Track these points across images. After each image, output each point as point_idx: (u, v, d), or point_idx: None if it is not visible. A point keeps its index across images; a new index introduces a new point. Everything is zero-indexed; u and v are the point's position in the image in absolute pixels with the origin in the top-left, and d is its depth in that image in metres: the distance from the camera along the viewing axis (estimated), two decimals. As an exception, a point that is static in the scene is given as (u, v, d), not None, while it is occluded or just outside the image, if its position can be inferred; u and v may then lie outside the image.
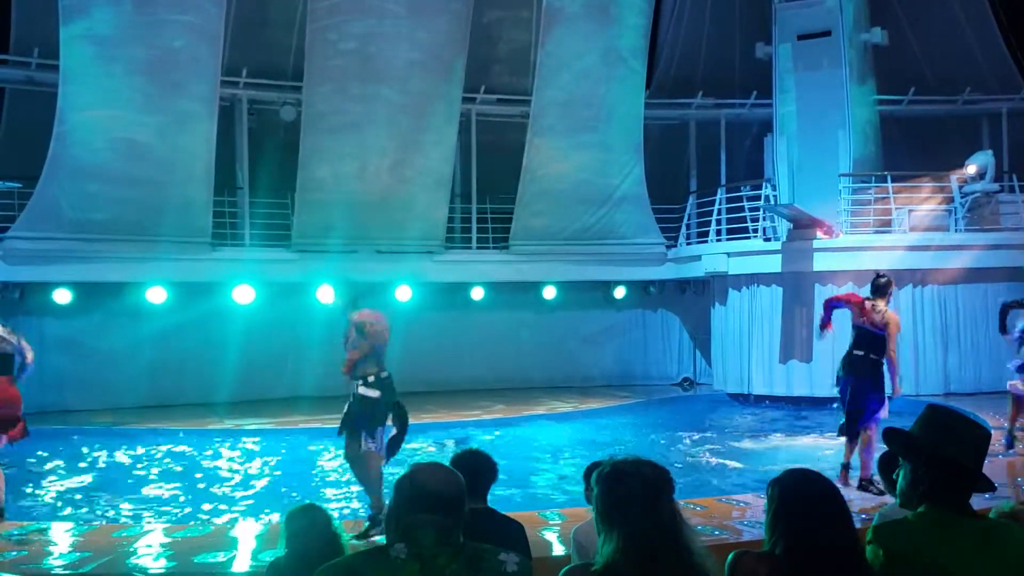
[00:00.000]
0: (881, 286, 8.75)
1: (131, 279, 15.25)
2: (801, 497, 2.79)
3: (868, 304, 8.71)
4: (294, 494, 9.55)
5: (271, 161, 16.56)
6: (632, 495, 2.54)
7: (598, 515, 2.60)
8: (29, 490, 9.85)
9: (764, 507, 2.88)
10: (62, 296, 15.10)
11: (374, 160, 15.81)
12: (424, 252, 16.80)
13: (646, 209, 17.81)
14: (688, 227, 18.30)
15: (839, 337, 15.32)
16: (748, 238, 16.77)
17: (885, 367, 8.63)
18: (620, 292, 18.73)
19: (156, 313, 15.54)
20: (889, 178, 15.96)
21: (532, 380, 18.13)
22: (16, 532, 7.00)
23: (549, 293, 18.13)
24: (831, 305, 9.05)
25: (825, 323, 9.05)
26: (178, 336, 15.67)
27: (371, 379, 7.05)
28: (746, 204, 16.92)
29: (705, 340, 18.64)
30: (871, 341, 8.59)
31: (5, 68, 15.84)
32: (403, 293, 16.28)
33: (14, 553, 6.39)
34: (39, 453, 11.45)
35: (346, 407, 7.11)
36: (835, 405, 9.01)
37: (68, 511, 9.01)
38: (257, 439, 13.17)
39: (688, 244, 18.12)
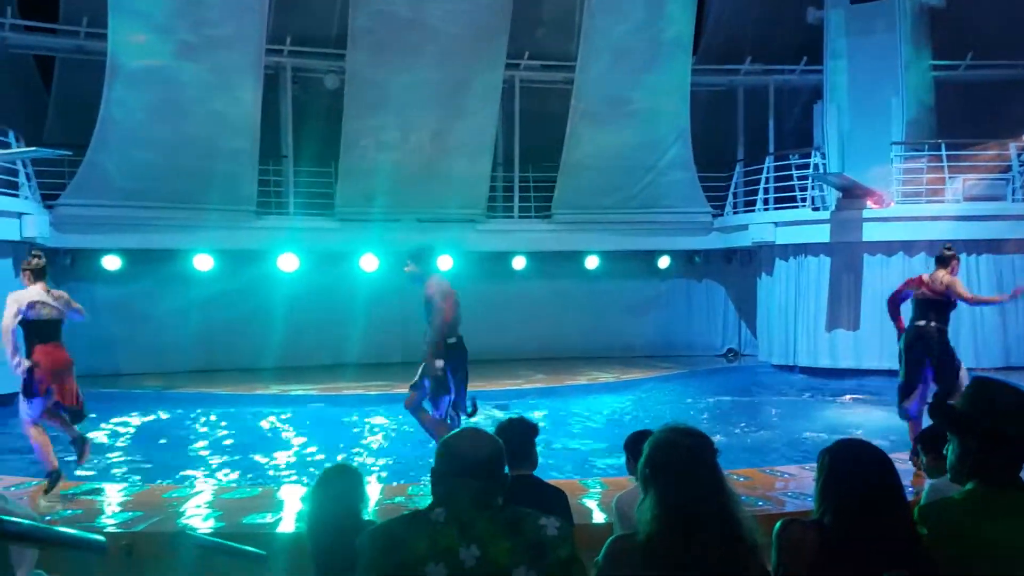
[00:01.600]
0: (944, 257, 8.62)
1: (179, 246, 15.48)
2: (852, 466, 2.75)
3: (926, 276, 8.61)
4: (339, 456, 9.66)
5: (315, 130, 16.62)
6: (675, 463, 2.51)
7: (641, 483, 2.57)
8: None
9: (814, 476, 2.83)
10: (112, 263, 15.36)
11: (416, 128, 15.79)
12: (466, 221, 16.79)
13: (692, 177, 17.59)
14: (735, 196, 18.05)
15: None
16: (796, 207, 16.50)
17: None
18: (664, 262, 18.57)
19: (203, 280, 15.77)
20: (943, 146, 15.55)
21: (573, 350, 18.10)
22: (71, 492, 7.16)
23: (592, 263, 18.03)
24: (897, 301, 8.82)
25: (898, 324, 8.78)
26: (225, 303, 15.89)
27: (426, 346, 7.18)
28: (794, 173, 16.64)
29: (750, 311, 18.45)
30: (932, 307, 8.43)
31: (55, 37, 16.05)
32: (444, 262, 16.29)
33: (69, 512, 6.55)
34: (91, 415, 11.68)
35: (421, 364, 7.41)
36: (898, 382, 8.76)
37: (120, 472, 9.21)
38: (302, 404, 13.33)
39: (735, 213, 17.89)
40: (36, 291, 7.17)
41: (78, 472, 8.10)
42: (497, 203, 17.74)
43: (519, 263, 17.62)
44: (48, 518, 6.18)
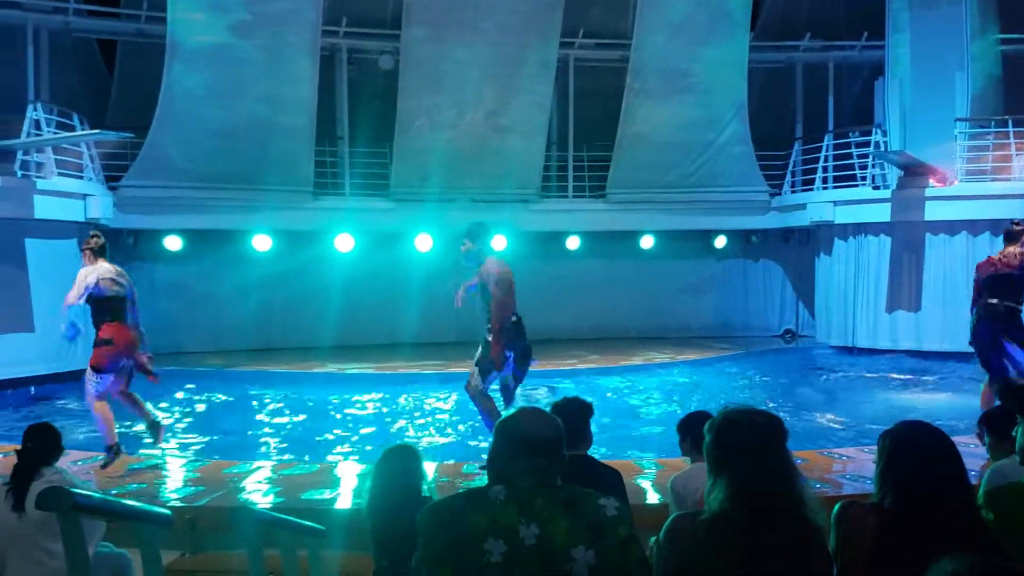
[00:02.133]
0: (1014, 233, 8.39)
1: (237, 227, 15.74)
2: (913, 449, 2.71)
3: (995, 256, 8.41)
4: (394, 433, 9.77)
5: (370, 110, 16.73)
6: (743, 443, 2.49)
7: (708, 463, 2.56)
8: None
9: (874, 459, 2.79)
10: (173, 243, 15.68)
11: (470, 108, 15.81)
12: (520, 201, 16.79)
13: (749, 156, 17.34)
14: (793, 175, 17.76)
15: (949, 290, 14.80)
16: (856, 186, 16.20)
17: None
18: (721, 241, 18.37)
19: (261, 260, 16.02)
20: (1011, 122, 15.09)
21: (628, 330, 18.03)
22: (136, 467, 7.35)
23: (647, 242, 17.90)
24: (979, 290, 8.60)
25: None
26: (282, 282, 16.14)
27: (489, 327, 7.21)
28: (854, 151, 16.31)
29: (808, 291, 18.19)
30: (1004, 284, 8.23)
31: (117, 21, 16.36)
32: (498, 242, 16.30)
33: (134, 486, 6.73)
34: (152, 391, 11.97)
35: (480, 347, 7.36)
36: (973, 362, 8.63)
37: (182, 448, 9.43)
38: (358, 383, 13.48)
39: (793, 192, 17.61)
40: (104, 267, 7.30)
41: (142, 451, 8.31)
42: (551, 183, 17.70)
43: (573, 243, 17.57)
44: (114, 492, 6.36)
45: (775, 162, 17.97)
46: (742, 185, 17.51)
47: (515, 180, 16.65)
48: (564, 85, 17.46)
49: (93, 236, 7.51)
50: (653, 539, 2.82)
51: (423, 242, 16.50)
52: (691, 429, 4.46)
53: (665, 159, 16.85)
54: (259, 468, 7.47)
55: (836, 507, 2.75)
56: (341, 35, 16.49)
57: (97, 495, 3.22)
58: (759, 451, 2.49)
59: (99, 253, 7.35)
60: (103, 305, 7.23)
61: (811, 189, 16.95)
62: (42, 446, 4.41)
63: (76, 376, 13.01)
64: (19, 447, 4.44)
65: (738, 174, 17.36)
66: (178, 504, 6.13)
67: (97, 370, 7.16)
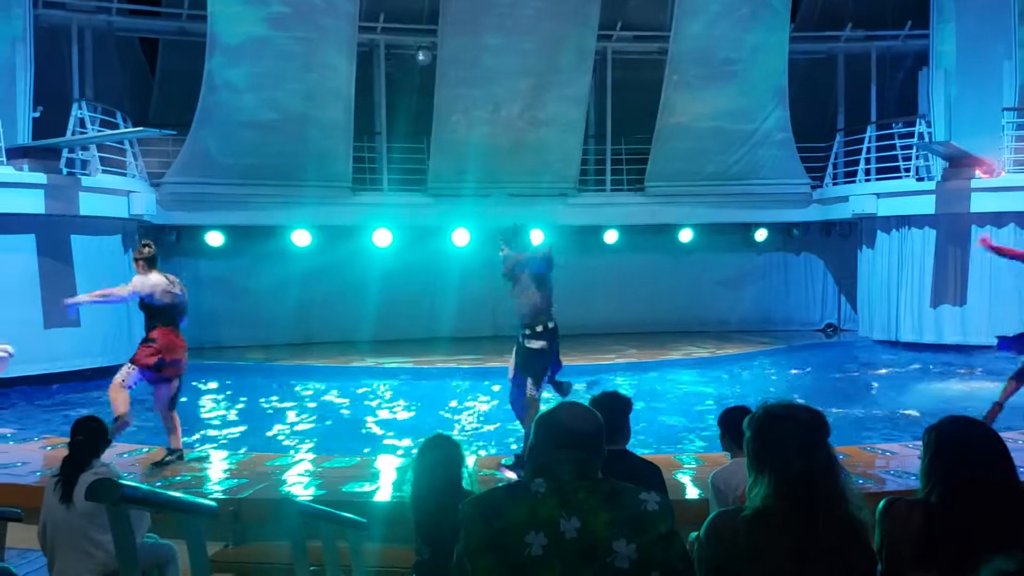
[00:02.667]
0: None
1: (277, 223, 15.89)
2: (960, 444, 2.67)
3: None
4: (436, 424, 9.81)
5: (407, 106, 16.80)
6: (786, 438, 2.47)
7: (750, 459, 2.54)
8: (190, 420, 10.47)
9: (919, 454, 2.75)
10: (215, 239, 15.87)
11: (508, 102, 15.80)
12: (557, 195, 16.75)
13: (790, 148, 17.14)
14: (835, 167, 17.53)
15: (995, 285, 14.52)
16: (899, 178, 15.95)
17: None
18: (761, 235, 18.21)
19: (301, 255, 16.16)
20: (1060, 112, 14.77)
21: (666, 324, 17.94)
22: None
23: (685, 236, 17.78)
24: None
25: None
26: (322, 277, 16.27)
27: (539, 329, 7.13)
28: (898, 142, 16.08)
29: (850, 285, 17.97)
30: None
31: (158, 20, 16.58)
32: (536, 237, 16.26)
33: (178, 478, 6.83)
34: (195, 385, 12.16)
35: (515, 351, 7.23)
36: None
37: (224, 441, 9.56)
38: (396, 377, 13.57)
39: (835, 184, 17.39)
40: (158, 278, 7.31)
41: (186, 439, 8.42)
42: (589, 176, 17.64)
43: (611, 237, 17.50)
44: (158, 484, 6.45)
45: (816, 154, 17.75)
46: (783, 177, 17.31)
47: (553, 174, 16.62)
48: (602, 78, 17.39)
49: (145, 246, 7.47)
50: (694, 535, 2.81)
51: (460, 237, 16.54)
52: (731, 424, 4.42)
53: (704, 152, 16.72)
54: (300, 461, 7.54)
55: (881, 503, 2.71)
56: (379, 31, 16.55)
57: (144, 487, 3.27)
58: (801, 446, 2.46)
59: (151, 263, 7.31)
60: (157, 312, 7.32)
61: (853, 181, 16.73)
62: (91, 439, 4.50)
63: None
64: (69, 440, 4.54)
65: (779, 166, 17.17)
66: (221, 496, 6.20)
67: (133, 362, 7.27)
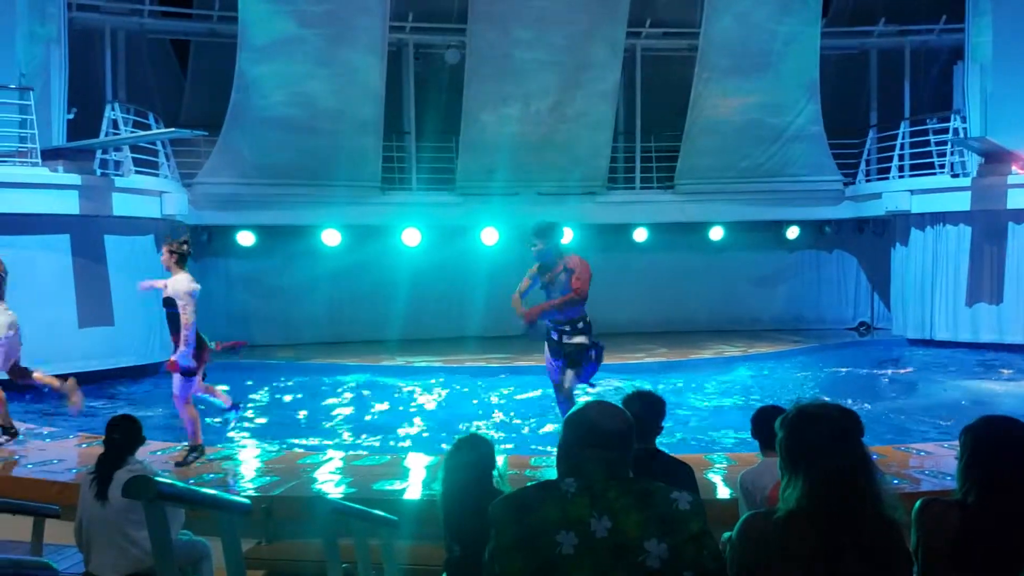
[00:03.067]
0: None
1: (308, 222, 16.00)
2: (997, 444, 2.64)
3: None
4: (462, 425, 9.84)
5: (436, 105, 16.83)
6: (819, 438, 2.44)
7: (783, 459, 2.51)
8: (224, 418, 10.57)
9: (955, 454, 2.71)
10: (246, 238, 16.00)
11: (536, 100, 15.78)
12: (586, 193, 16.71)
13: (822, 145, 16.97)
14: (868, 163, 17.35)
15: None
16: (934, 174, 15.76)
17: None
18: (793, 232, 18.06)
19: (331, 254, 16.26)
20: (1100, 106, 14.51)
21: (697, 323, 17.85)
22: (213, 456, 7.53)
23: (716, 234, 17.67)
24: None
25: None
26: (351, 276, 16.36)
27: (580, 325, 7.18)
28: (932, 138, 15.88)
29: (884, 283, 17.78)
30: None
31: (189, 22, 16.75)
32: (565, 236, 16.26)
33: (210, 475, 6.89)
34: (227, 384, 12.25)
35: (561, 347, 7.28)
36: None
37: (256, 439, 9.62)
38: (426, 375, 13.60)
39: (867, 181, 17.20)
40: (187, 276, 7.22)
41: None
42: (618, 174, 17.58)
43: (641, 235, 17.43)
44: (191, 481, 6.51)
45: (849, 151, 17.56)
46: (815, 174, 17.15)
47: (582, 172, 16.58)
48: (631, 75, 17.32)
49: (185, 242, 7.45)
50: (726, 535, 2.79)
51: (489, 236, 16.55)
52: (763, 424, 4.39)
53: (735, 148, 16.60)
54: (330, 459, 7.57)
55: (917, 504, 2.68)
56: (407, 30, 16.61)
57: (180, 484, 3.31)
58: (834, 447, 2.44)
59: (183, 261, 7.29)
60: (167, 311, 7.33)
61: (887, 178, 16.55)
62: (126, 437, 4.56)
63: (155, 369, 13.44)
64: (104, 437, 4.60)
65: (811, 163, 17.01)
66: (254, 494, 6.25)
67: (187, 374, 7.25)
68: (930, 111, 16.97)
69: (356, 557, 3.99)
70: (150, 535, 2.93)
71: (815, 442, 2.44)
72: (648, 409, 4.24)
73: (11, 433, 7.98)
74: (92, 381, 12.60)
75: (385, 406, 11.58)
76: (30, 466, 7.12)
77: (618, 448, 2.51)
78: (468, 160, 16.16)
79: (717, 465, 7.06)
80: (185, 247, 7.37)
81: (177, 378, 7.23)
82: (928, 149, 15.90)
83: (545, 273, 7.56)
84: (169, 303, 7.21)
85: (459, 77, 15.91)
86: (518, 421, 10.44)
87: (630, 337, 16.23)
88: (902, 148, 16.28)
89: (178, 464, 7.15)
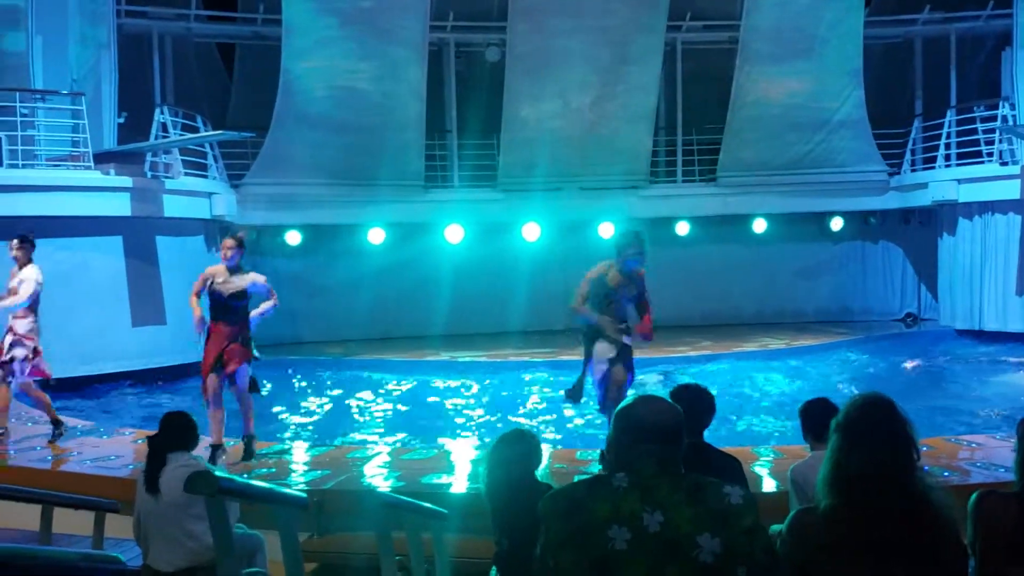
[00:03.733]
0: None
1: (353, 221, 16.17)
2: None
3: None
4: (508, 418, 9.91)
5: (477, 103, 16.89)
6: (867, 431, 2.44)
7: (830, 452, 2.51)
8: (273, 414, 10.74)
9: (1013, 447, 2.70)
10: (293, 238, 16.22)
11: (576, 96, 15.77)
12: (628, 187, 16.67)
13: (866, 135, 16.75)
14: (913, 153, 17.08)
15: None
16: (982, 163, 15.48)
17: None
18: (837, 223, 17.85)
19: (375, 252, 16.41)
20: None
21: (741, 316, 17.73)
22: (264, 451, 7.67)
23: (759, 226, 17.53)
24: None
25: None
26: (396, 274, 16.49)
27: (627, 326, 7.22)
28: (979, 126, 15.60)
29: (931, 273, 17.50)
30: None
31: (234, 25, 16.98)
32: (606, 230, 16.25)
33: (263, 470, 7.03)
34: (275, 380, 12.44)
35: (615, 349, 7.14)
36: None
37: (306, 434, 9.79)
38: (470, 371, 13.69)
39: (913, 171, 16.94)
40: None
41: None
42: (660, 168, 17.50)
43: (683, 228, 17.34)
44: (244, 477, 6.64)
45: (894, 140, 17.31)
46: (859, 165, 16.93)
47: (623, 167, 16.54)
48: (672, 69, 17.22)
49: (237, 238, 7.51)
50: (775, 527, 2.80)
51: (531, 231, 16.59)
52: (812, 417, 4.39)
53: (778, 140, 16.44)
54: (378, 453, 7.69)
55: (973, 496, 2.67)
56: (448, 29, 16.68)
57: (239, 479, 3.40)
58: (884, 439, 2.43)
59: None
60: (232, 304, 7.42)
61: (933, 167, 16.29)
62: (176, 433, 4.68)
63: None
64: (155, 433, 4.73)
65: (855, 153, 16.79)
66: (305, 488, 6.36)
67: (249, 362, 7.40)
68: (977, 98, 16.65)
69: (408, 550, 4.06)
70: (212, 529, 3.02)
71: (863, 435, 2.44)
72: (696, 403, 4.24)
73: (60, 428, 8.15)
74: (145, 380, 12.93)
75: (430, 401, 11.69)
76: (88, 462, 7.31)
77: (669, 442, 2.51)
78: (510, 156, 16.21)
79: (764, 458, 7.05)
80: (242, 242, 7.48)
81: (243, 367, 7.29)
82: (975, 137, 15.62)
83: (626, 282, 7.29)
84: (240, 296, 7.30)
85: (500, 75, 15.96)
86: (563, 416, 10.47)
87: (674, 331, 16.14)
88: (948, 137, 16.02)
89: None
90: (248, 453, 7.29)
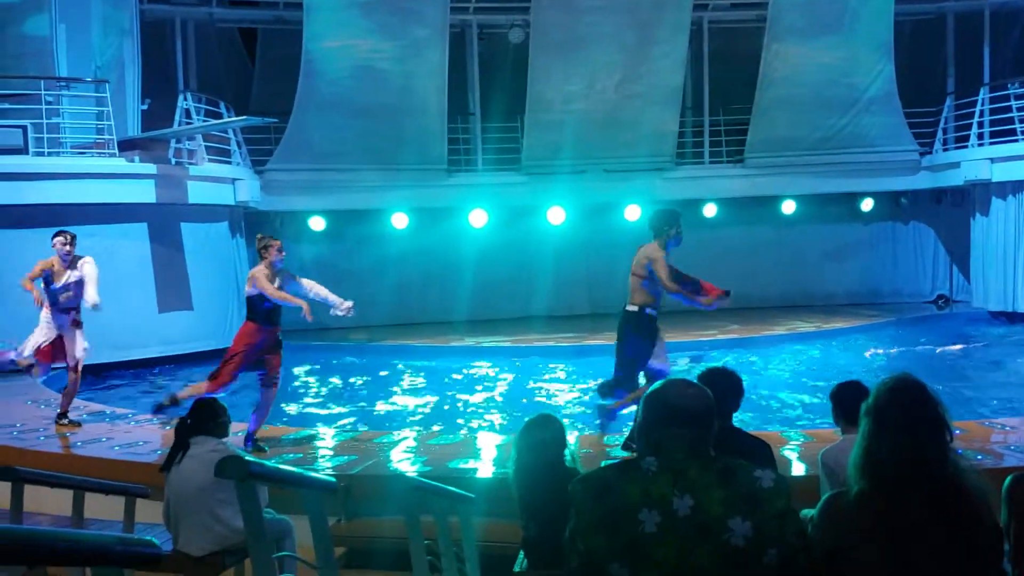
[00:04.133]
0: None
1: (376, 206, 16.15)
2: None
3: None
4: (532, 401, 9.88)
5: (500, 85, 16.81)
6: (900, 414, 2.39)
7: (862, 435, 2.46)
8: (299, 400, 10.79)
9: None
10: (317, 223, 16.24)
11: (601, 77, 15.64)
12: (654, 169, 16.53)
13: (897, 113, 16.50)
14: (945, 132, 16.82)
15: None
16: (1016, 141, 15.20)
17: None
18: (868, 204, 17.65)
19: (399, 237, 16.42)
20: None
21: (769, 299, 17.58)
22: (291, 437, 7.69)
23: (788, 207, 17.35)
24: None
25: None
26: (420, 258, 16.50)
27: None
28: (1014, 104, 15.31)
29: (963, 254, 17.26)
30: None
31: (256, 10, 16.98)
32: (632, 213, 16.15)
33: (290, 455, 7.04)
34: (300, 366, 12.50)
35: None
36: None
37: (332, 419, 9.80)
38: (495, 355, 13.67)
39: (945, 150, 16.70)
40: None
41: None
42: (686, 149, 17.34)
43: (710, 210, 17.19)
44: (273, 461, 6.65)
45: (925, 119, 17.05)
46: (890, 144, 16.69)
47: (649, 148, 16.40)
48: (698, 49, 17.03)
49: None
50: (806, 512, 2.75)
51: (555, 215, 16.51)
52: (843, 400, 4.30)
53: (807, 120, 16.23)
54: (404, 439, 7.67)
55: (1008, 479, 2.60)
56: (471, 11, 16.58)
57: (269, 464, 3.40)
58: (914, 423, 2.37)
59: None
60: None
61: (965, 146, 16.03)
62: (201, 418, 4.71)
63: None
64: (183, 418, 4.76)
65: (885, 133, 16.55)
66: (334, 473, 6.36)
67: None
68: (1011, 75, 16.34)
69: (437, 534, 4.04)
70: (243, 514, 3.01)
71: (895, 418, 2.38)
72: (724, 386, 4.19)
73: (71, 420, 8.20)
74: (172, 364, 13.03)
75: (456, 386, 11.68)
76: (117, 448, 7.36)
77: (699, 426, 2.48)
78: (533, 139, 16.11)
79: (793, 442, 6.97)
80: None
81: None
82: (1010, 116, 15.34)
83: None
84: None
85: (523, 56, 15.84)
86: (588, 400, 10.42)
87: (702, 314, 15.86)
88: (981, 115, 15.75)
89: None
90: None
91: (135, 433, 7.98)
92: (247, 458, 3.00)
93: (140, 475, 6.30)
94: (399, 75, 15.13)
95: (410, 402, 10.81)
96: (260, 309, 7.27)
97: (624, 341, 7.17)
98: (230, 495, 4.07)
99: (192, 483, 4.46)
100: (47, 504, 5.80)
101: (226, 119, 14.45)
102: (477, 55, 16.85)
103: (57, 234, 8.03)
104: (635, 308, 7.14)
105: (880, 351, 13.32)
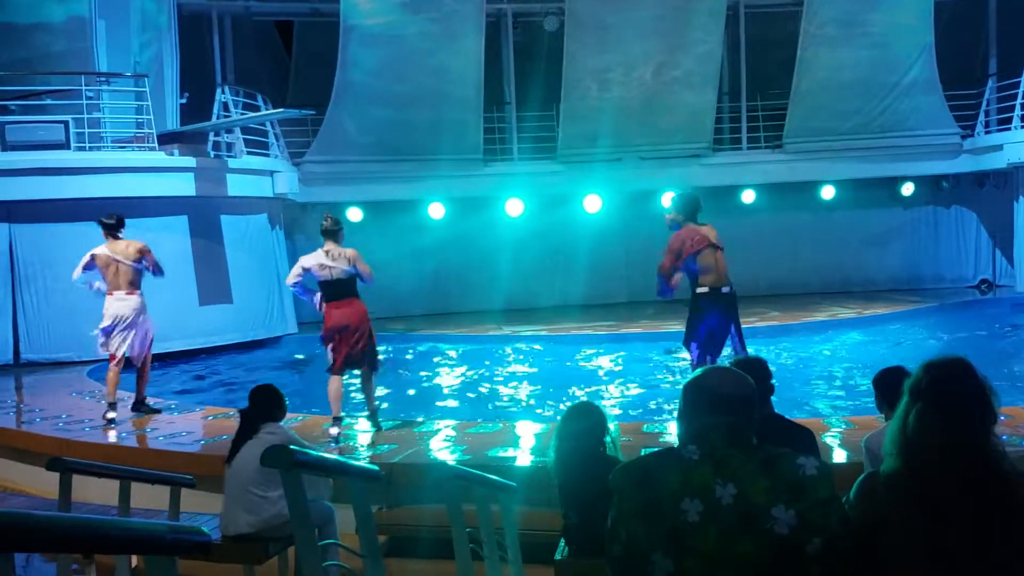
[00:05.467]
0: None
1: (413, 196, 16.21)
2: None
3: None
4: (571, 391, 9.87)
5: (536, 74, 16.76)
6: (944, 398, 2.35)
7: (901, 413, 2.42)
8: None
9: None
10: (354, 214, 16.32)
11: (638, 63, 15.54)
12: (691, 156, 16.41)
13: (938, 96, 16.22)
14: (987, 114, 16.51)
15: None
16: (1061, 122, 14.89)
17: None
18: (908, 188, 17.39)
19: (436, 227, 16.46)
20: None
21: (809, 285, 17.41)
22: (327, 426, 7.74)
23: (827, 193, 17.15)
24: None
25: None
26: (456, 248, 16.53)
27: None
28: (1060, 84, 14.98)
29: (1006, 238, 16.96)
30: None
31: (292, 3, 17.08)
32: (669, 200, 16.00)
33: (333, 444, 7.11)
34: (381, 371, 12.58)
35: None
36: None
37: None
38: (533, 344, 13.68)
39: (987, 133, 16.39)
40: (314, 255, 7.64)
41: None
42: (724, 135, 17.19)
43: (749, 197, 17.03)
44: (315, 450, 6.72)
45: (967, 102, 16.73)
46: (930, 127, 16.42)
47: (686, 135, 16.28)
48: (735, 34, 16.85)
49: (325, 219, 7.82)
50: (844, 498, 2.73)
51: (592, 203, 16.46)
52: (887, 386, 4.26)
53: (846, 104, 16.01)
54: (444, 428, 7.71)
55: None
56: (506, 0, 16.54)
57: (314, 452, 3.44)
58: (951, 404, 2.33)
59: (326, 236, 7.73)
60: (323, 288, 7.75)
61: (1008, 128, 15.73)
62: (261, 405, 4.81)
63: (274, 343, 13.91)
64: (244, 408, 4.86)
65: (926, 116, 16.28)
66: (377, 462, 6.40)
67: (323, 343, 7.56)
68: (1057, 55, 16.00)
69: (479, 522, 4.07)
70: (288, 502, 3.05)
71: (940, 402, 2.34)
72: (757, 375, 4.16)
73: (114, 411, 8.32)
74: (214, 355, 13.19)
75: (493, 375, 11.71)
76: (161, 439, 7.48)
77: (741, 414, 2.47)
78: (569, 128, 16.06)
79: (835, 429, 6.90)
80: (323, 223, 7.81)
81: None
82: (1055, 96, 15.03)
83: None
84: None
85: (559, 44, 15.78)
86: (628, 388, 10.41)
87: (741, 301, 15.77)
88: (1025, 96, 15.43)
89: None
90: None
91: (178, 424, 8.10)
92: (291, 447, 3.04)
93: (182, 464, 6.39)
94: (435, 65, 15.15)
95: (449, 391, 10.86)
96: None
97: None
98: (274, 477, 4.15)
99: (252, 466, 4.54)
100: (93, 494, 5.92)
101: (264, 112, 14.57)
102: (512, 44, 16.82)
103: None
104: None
105: (924, 336, 13.15)
